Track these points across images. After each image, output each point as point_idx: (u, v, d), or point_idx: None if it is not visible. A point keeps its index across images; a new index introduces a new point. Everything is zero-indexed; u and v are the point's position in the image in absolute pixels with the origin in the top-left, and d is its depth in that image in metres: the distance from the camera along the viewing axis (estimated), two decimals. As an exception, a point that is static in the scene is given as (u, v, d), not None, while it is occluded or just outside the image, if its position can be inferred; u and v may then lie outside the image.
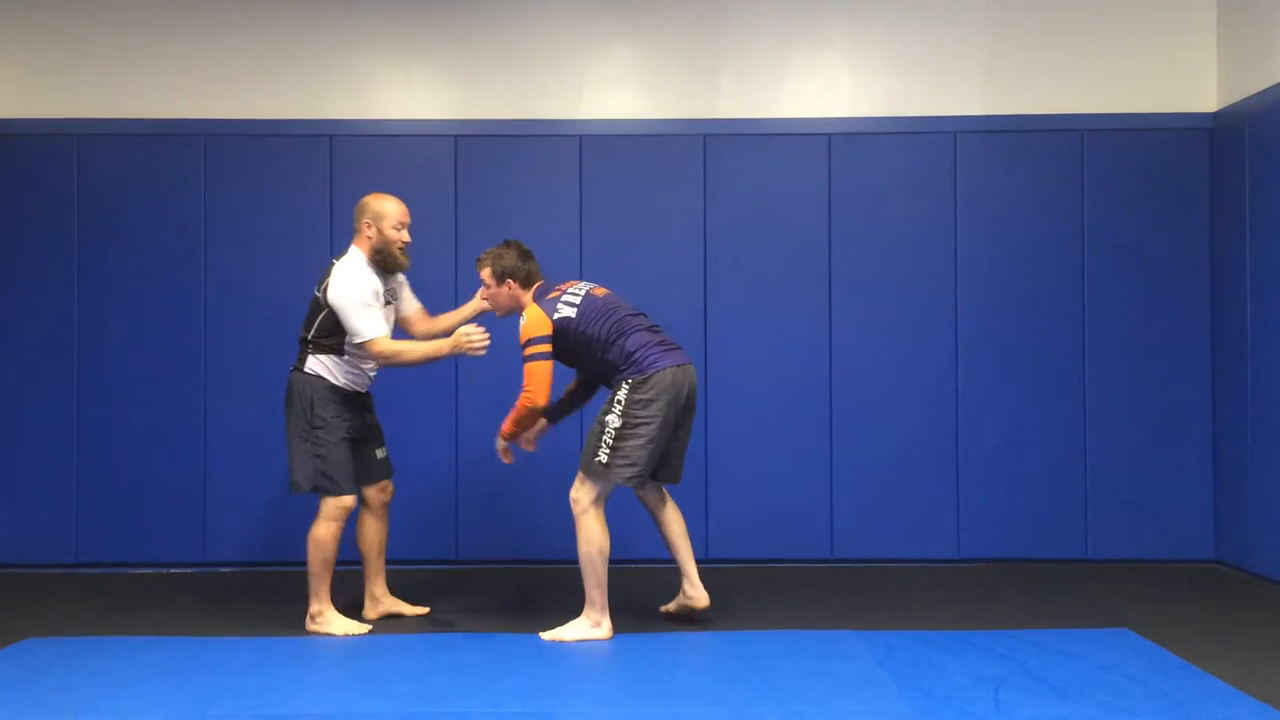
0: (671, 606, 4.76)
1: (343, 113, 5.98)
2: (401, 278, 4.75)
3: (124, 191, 5.92)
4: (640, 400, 4.37)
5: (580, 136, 5.96)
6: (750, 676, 3.89)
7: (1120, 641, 4.31)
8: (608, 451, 4.37)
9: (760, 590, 5.32)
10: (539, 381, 4.41)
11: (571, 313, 4.46)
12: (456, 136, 5.95)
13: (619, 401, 4.39)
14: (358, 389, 4.66)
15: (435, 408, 5.88)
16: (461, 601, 5.12)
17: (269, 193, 5.93)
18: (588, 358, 4.50)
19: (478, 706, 3.61)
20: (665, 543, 4.71)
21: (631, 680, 3.88)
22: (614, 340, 4.44)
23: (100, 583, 5.58)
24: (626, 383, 4.41)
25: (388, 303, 4.63)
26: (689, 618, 4.72)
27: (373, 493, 4.76)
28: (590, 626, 4.42)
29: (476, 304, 4.84)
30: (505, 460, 4.77)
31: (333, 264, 4.58)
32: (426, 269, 5.87)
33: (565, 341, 4.46)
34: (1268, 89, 5.41)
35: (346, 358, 4.56)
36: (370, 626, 4.63)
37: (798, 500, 5.90)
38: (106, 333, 5.89)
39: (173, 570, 5.83)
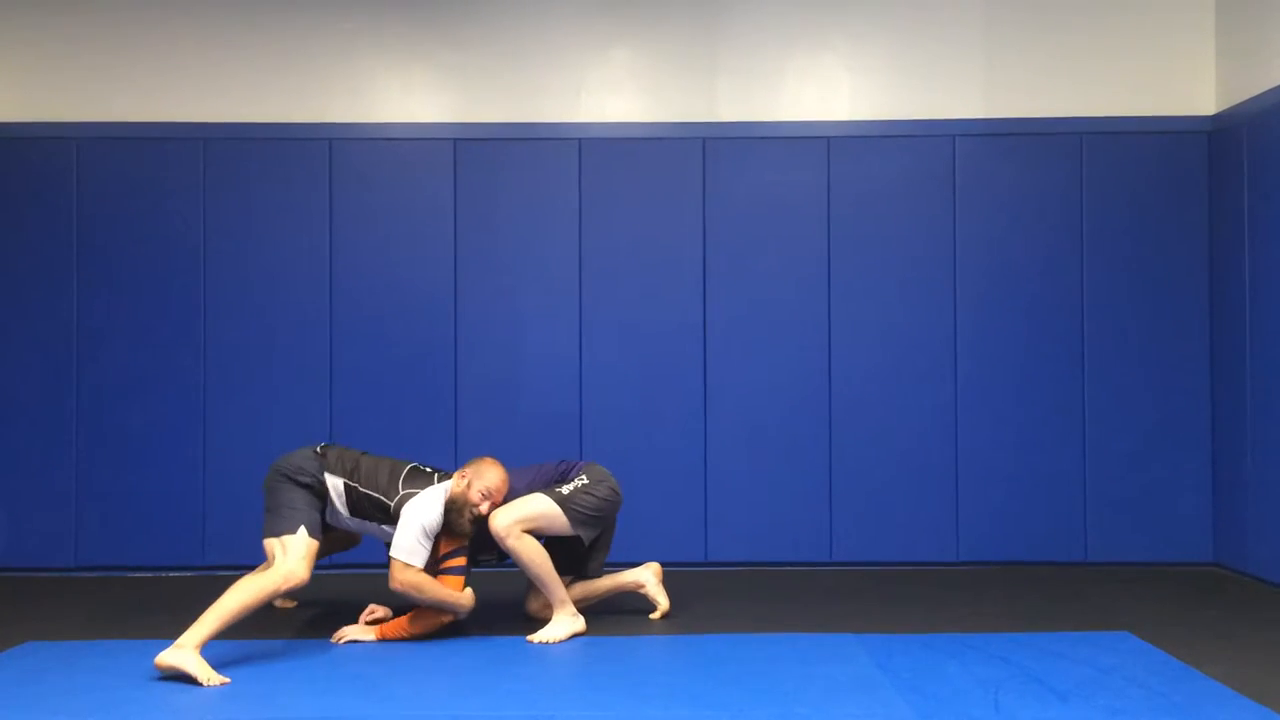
0: (656, 615, 4.82)
1: (342, 116, 5.99)
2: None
3: (124, 195, 5.92)
4: None
5: (579, 140, 5.96)
6: (749, 679, 3.89)
7: (1120, 644, 4.31)
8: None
9: (759, 593, 5.32)
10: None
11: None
12: (456, 140, 5.96)
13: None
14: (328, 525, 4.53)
15: (434, 407, 5.88)
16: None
17: (269, 196, 5.93)
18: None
19: (479, 709, 3.61)
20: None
21: (631, 683, 3.88)
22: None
23: (99, 586, 5.58)
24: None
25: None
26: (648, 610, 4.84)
27: None
28: (570, 618, 4.53)
29: None
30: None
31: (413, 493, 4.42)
32: (425, 272, 5.91)
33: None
34: (1266, 92, 5.42)
35: (354, 519, 4.48)
36: (229, 680, 3.89)
37: (797, 503, 5.90)
38: (106, 336, 5.88)
39: (172, 574, 5.83)
